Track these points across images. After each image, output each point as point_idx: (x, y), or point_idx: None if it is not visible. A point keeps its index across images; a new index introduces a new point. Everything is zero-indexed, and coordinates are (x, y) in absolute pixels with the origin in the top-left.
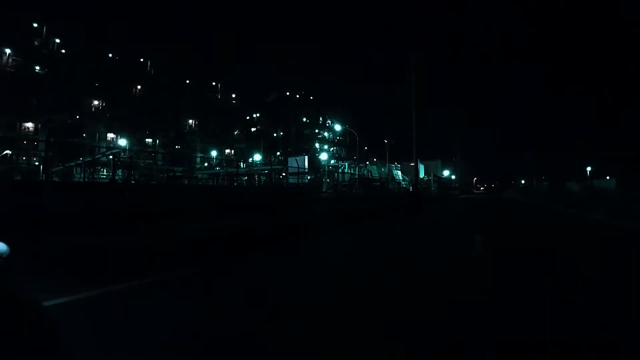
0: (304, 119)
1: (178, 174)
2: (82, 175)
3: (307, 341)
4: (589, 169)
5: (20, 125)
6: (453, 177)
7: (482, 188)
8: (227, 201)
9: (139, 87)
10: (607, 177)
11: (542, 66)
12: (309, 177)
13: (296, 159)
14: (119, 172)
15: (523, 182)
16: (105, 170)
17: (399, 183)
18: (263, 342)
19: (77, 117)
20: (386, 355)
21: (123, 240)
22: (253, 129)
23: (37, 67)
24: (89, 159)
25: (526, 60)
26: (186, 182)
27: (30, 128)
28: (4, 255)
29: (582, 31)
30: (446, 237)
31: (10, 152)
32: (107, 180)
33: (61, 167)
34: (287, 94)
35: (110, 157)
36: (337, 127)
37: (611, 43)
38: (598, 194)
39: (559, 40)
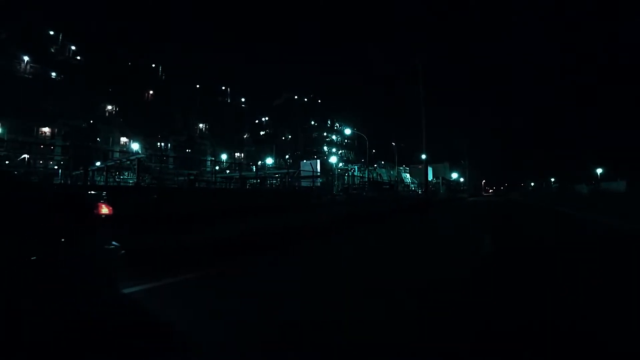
0: (312, 122)
1: (192, 177)
2: (105, 178)
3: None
4: (599, 170)
5: (37, 130)
6: (461, 179)
7: (490, 190)
8: (247, 203)
9: (150, 92)
10: (618, 179)
11: (551, 66)
12: (320, 181)
13: (311, 163)
14: (134, 175)
15: (532, 184)
16: (119, 174)
17: (408, 186)
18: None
19: (91, 121)
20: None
21: (167, 239)
22: (262, 132)
23: (53, 73)
24: (111, 163)
25: (535, 59)
26: (204, 185)
27: (47, 132)
28: (120, 252)
29: (594, 28)
30: (459, 237)
31: (28, 156)
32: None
33: (81, 171)
34: (295, 97)
35: (135, 161)
36: (346, 131)
37: (622, 43)
38: (608, 197)
39: (571, 39)
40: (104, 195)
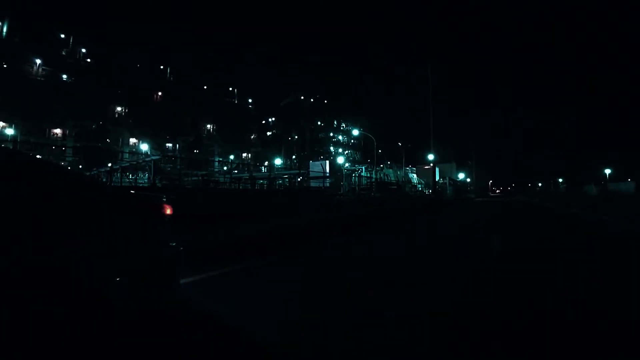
0: (319, 123)
1: (206, 178)
2: (120, 179)
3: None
4: (607, 171)
5: (49, 132)
6: (468, 180)
7: (497, 191)
8: (263, 203)
9: (159, 93)
10: (629, 180)
11: (560, 66)
12: (329, 181)
13: (321, 164)
14: (144, 176)
15: (540, 184)
16: (131, 174)
17: (415, 186)
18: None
19: (101, 122)
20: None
21: (198, 237)
22: (268, 133)
23: (64, 76)
24: (126, 164)
25: (545, 59)
26: (213, 185)
27: (59, 134)
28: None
29: (604, 29)
30: (470, 236)
31: (40, 157)
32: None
33: (95, 172)
34: (302, 97)
35: (151, 162)
36: (353, 132)
37: (633, 43)
38: (617, 198)
39: (580, 39)
40: (164, 197)
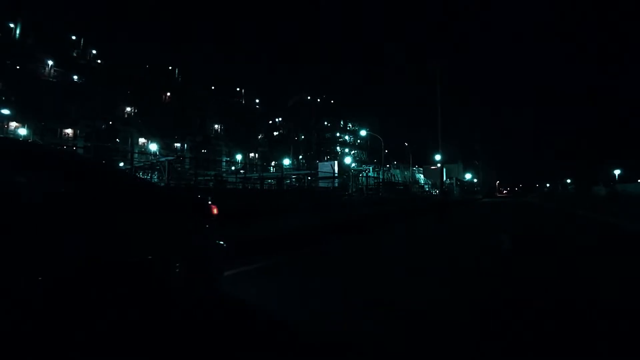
0: (325, 123)
1: (219, 178)
2: None
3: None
4: (617, 172)
5: (61, 132)
6: (475, 180)
7: (505, 192)
8: (274, 203)
9: (168, 93)
10: (639, 181)
11: (567, 67)
12: (337, 181)
13: (331, 165)
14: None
15: (548, 185)
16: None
17: (422, 187)
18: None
19: (110, 122)
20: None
21: (224, 235)
22: (275, 133)
23: (75, 77)
24: (140, 164)
25: (549, 58)
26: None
27: (70, 134)
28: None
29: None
30: (478, 235)
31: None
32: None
33: None
34: (308, 98)
35: (165, 163)
36: (361, 132)
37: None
38: (626, 199)
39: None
40: (209, 199)
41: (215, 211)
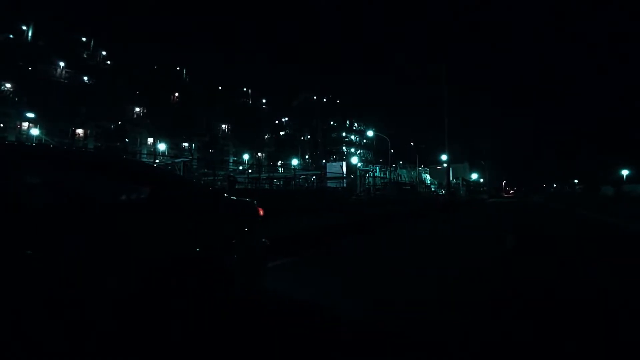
0: (332, 123)
1: (231, 178)
2: None
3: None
4: (625, 172)
5: (72, 132)
6: (481, 180)
7: (511, 192)
8: (285, 203)
9: (176, 94)
10: None
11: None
12: (345, 182)
13: (340, 165)
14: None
15: (555, 185)
16: None
17: (429, 187)
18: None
19: (120, 123)
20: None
21: None
22: (282, 133)
23: (86, 78)
24: (154, 165)
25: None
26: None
27: (81, 134)
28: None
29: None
30: (488, 234)
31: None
32: None
33: None
34: (314, 97)
35: (180, 164)
36: (368, 132)
37: None
38: (634, 200)
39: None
40: (254, 201)
41: (261, 212)
